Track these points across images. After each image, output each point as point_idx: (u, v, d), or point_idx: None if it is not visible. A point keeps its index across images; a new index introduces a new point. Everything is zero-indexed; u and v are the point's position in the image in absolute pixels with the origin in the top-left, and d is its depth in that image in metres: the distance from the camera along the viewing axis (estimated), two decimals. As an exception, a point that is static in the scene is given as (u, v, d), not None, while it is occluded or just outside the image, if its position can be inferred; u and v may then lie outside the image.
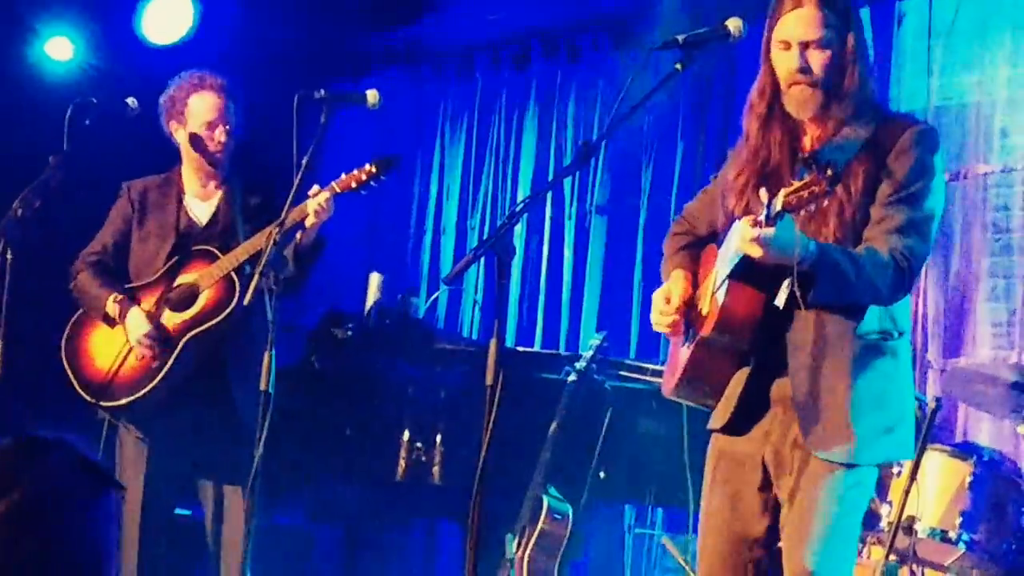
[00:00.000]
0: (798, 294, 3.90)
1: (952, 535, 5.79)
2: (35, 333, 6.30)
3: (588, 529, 7.15)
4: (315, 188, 5.57)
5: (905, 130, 4.05)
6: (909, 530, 5.78)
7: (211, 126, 5.89)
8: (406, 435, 6.78)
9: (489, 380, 3.85)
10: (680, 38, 4.02)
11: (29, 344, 5.92)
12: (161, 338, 5.68)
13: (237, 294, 5.59)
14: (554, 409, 6.57)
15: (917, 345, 6.96)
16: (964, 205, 7.15)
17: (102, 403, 5.74)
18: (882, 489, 5.89)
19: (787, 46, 4.10)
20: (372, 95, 5.41)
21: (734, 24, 4.07)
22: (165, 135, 6.00)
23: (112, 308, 5.79)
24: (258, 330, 5.56)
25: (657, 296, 4.33)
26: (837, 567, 4.09)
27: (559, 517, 6.52)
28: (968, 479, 5.85)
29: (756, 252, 3.85)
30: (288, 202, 5.29)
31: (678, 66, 4.02)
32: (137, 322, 5.73)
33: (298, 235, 5.62)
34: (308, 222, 5.55)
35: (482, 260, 3.99)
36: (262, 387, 4.97)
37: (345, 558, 7.29)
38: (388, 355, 7.02)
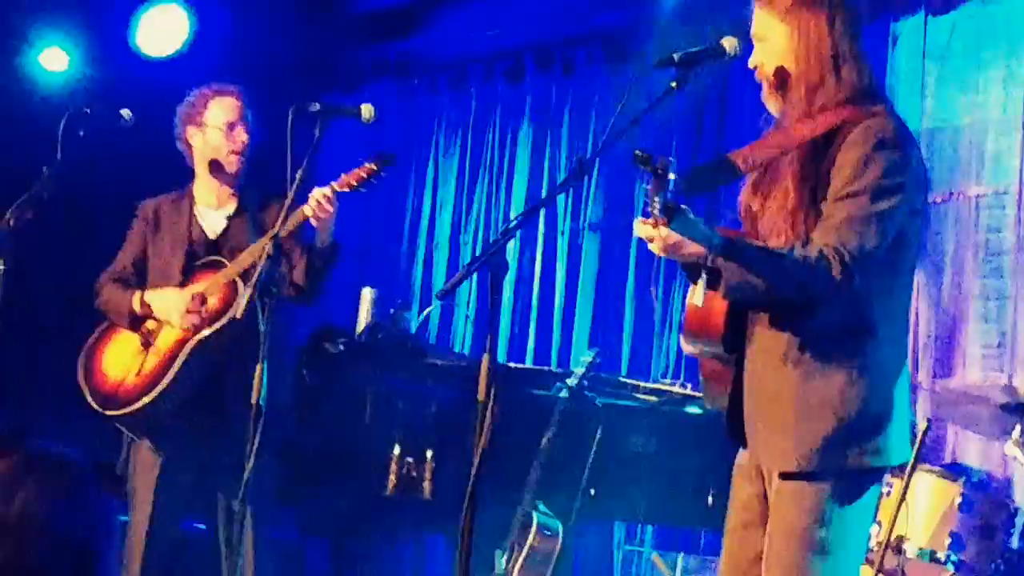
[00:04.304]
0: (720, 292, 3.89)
1: (941, 556, 5.80)
2: (27, 343, 6.30)
3: (577, 546, 7.15)
4: (316, 189, 5.60)
5: (858, 124, 3.95)
6: (898, 550, 5.79)
7: (231, 127, 5.90)
8: (396, 450, 6.77)
9: (481, 396, 3.86)
10: (676, 56, 4.01)
11: (21, 354, 5.92)
12: (201, 299, 5.69)
13: (238, 299, 5.59)
14: (545, 425, 6.57)
15: (908, 365, 6.95)
16: (956, 227, 7.16)
17: (108, 412, 5.74)
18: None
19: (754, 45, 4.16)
20: (367, 109, 5.41)
21: (729, 43, 4.07)
22: (178, 147, 6.02)
23: (138, 305, 5.82)
24: (271, 339, 5.60)
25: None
26: None
27: (549, 533, 6.52)
28: (957, 500, 5.87)
29: (657, 251, 3.88)
30: (282, 215, 5.29)
31: (673, 84, 4.01)
32: (170, 296, 5.77)
33: (317, 240, 5.67)
34: (313, 222, 5.58)
35: (475, 275, 4.00)
36: (253, 400, 4.95)
37: (334, 572, 7.27)
38: (379, 370, 7.01)
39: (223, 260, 5.77)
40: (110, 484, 2.77)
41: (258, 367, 4.96)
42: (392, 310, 7.55)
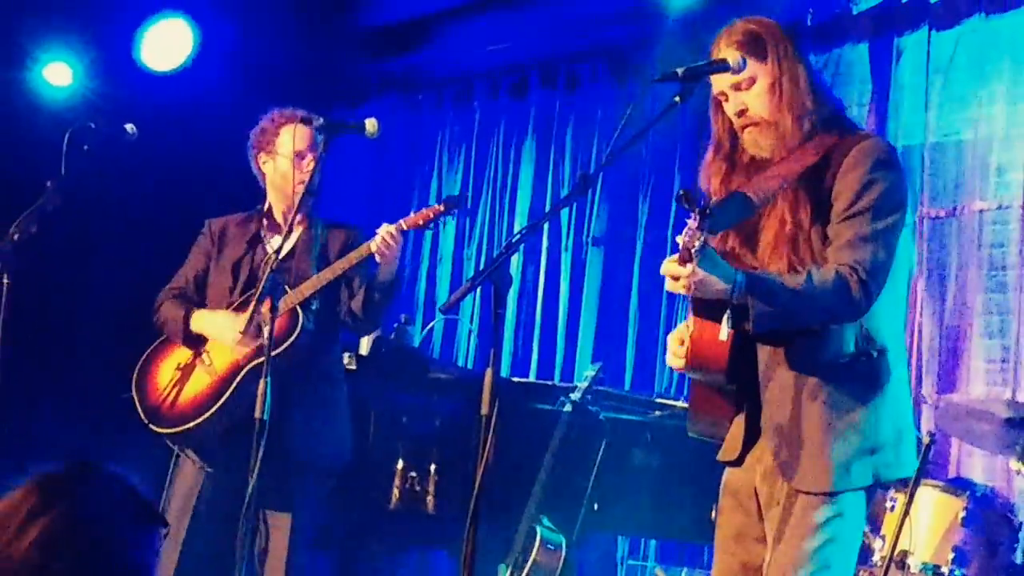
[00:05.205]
0: (748, 327, 3.95)
1: (944, 570, 5.80)
2: (31, 357, 6.29)
3: (581, 560, 7.14)
4: (383, 225, 5.61)
5: (851, 149, 4.07)
6: (902, 565, 5.79)
7: (300, 155, 5.82)
8: (400, 464, 6.77)
9: (484, 410, 3.87)
10: (679, 71, 4.05)
11: (25, 368, 5.91)
12: (256, 328, 5.66)
13: (299, 328, 5.59)
14: (548, 439, 6.57)
15: (911, 380, 6.94)
16: (960, 241, 7.15)
17: (155, 428, 5.73)
18: (875, 523, 5.90)
19: (724, 96, 4.21)
20: (371, 124, 5.41)
21: (732, 57, 4.11)
22: (252, 171, 6.01)
23: (192, 324, 5.83)
24: (328, 366, 5.82)
25: (671, 337, 4.28)
26: None
27: (552, 548, 6.51)
28: (961, 514, 5.86)
29: (680, 290, 3.92)
30: (286, 229, 5.30)
31: (677, 99, 4.06)
32: (222, 319, 5.77)
33: (379, 274, 5.69)
34: (378, 257, 5.60)
35: (478, 290, 4.01)
36: (256, 415, 4.96)
37: (338, 586, 7.27)
38: (383, 384, 7.01)
39: (284, 287, 5.71)
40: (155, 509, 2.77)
41: (261, 382, 4.96)
42: (396, 324, 7.56)
